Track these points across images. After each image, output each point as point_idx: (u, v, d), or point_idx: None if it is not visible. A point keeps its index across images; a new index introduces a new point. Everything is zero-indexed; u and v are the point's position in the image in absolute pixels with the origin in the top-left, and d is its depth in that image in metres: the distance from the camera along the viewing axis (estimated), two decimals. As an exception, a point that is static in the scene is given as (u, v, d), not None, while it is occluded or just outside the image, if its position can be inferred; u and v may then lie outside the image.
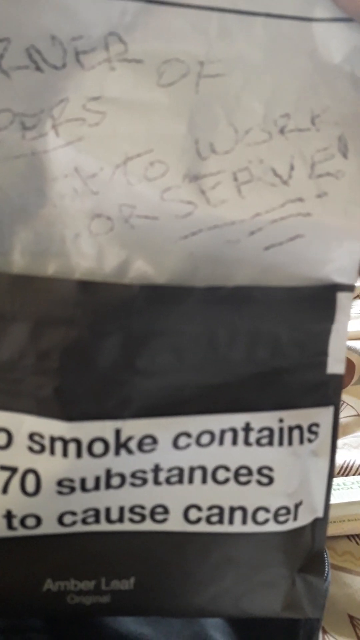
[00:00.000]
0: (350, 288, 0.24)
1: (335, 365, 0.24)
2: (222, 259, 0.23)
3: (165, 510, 0.24)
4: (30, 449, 0.23)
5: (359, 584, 0.52)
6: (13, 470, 0.23)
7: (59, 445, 0.22)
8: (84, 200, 0.22)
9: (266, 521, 0.25)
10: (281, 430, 0.24)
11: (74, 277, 0.22)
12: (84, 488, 0.23)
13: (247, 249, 0.23)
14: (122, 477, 0.23)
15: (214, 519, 0.24)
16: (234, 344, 0.23)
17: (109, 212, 0.22)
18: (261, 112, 0.22)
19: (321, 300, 0.24)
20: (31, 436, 0.22)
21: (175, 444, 0.23)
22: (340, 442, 0.72)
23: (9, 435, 0.22)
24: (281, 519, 0.25)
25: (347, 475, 0.67)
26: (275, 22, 0.21)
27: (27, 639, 0.28)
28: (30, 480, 0.23)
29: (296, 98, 0.22)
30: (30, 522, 0.23)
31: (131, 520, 0.24)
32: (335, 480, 0.63)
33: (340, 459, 0.68)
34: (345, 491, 0.62)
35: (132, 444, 0.23)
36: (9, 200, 0.22)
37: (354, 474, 0.67)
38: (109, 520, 0.24)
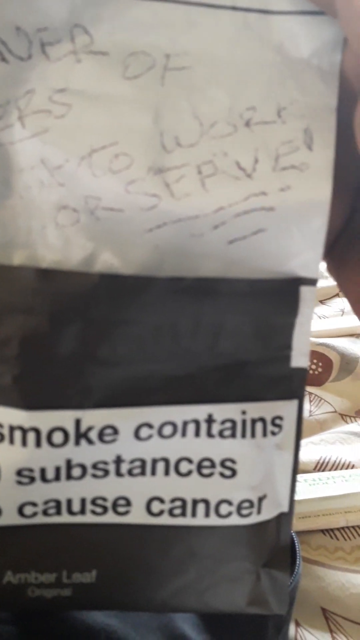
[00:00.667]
0: (313, 282, 0.24)
1: (299, 359, 0.25)
2: (187, 252, 0.23)
3: (128, 502, 0.24)
4: None
5: (332, 577, 0.52)
6: None
7: (18, 435, 0.22)
8: (50, 191, 0.22)
9: (229, 514, 0.25)
10: (244, 422, 0.24)
11: (40, 267, 0.22)
12: (44, 478, 0.23)
13: (211, 243, 0.23)
14: (83, 467, 0.23)
15: (177, 511, 0.24)
16: (196, 336, 0.23)
17: (74, 203, 0.22)
18: (227, 104, 0.22)
19: (284, 294, 0.24)
20: None
21: (136, 435, 0.24)
22: (317, 438, 0.73)
23: None
24: (244, 512, 0.25)
25: (323, 470, 0.68)
26: (241, 15, 0.21)
27: None
28: None
29: (262, 91, 0.22)
30: None
31: (93, 512, 0.24)
32: (311, 476, 0.64)
33: (316, 454, 0.69)
34: (321, 486, 0.63)
35: (93, 434, 0.23)
36: None
37: (329, 470, 0.68)
38: (70, 511, 0.24)
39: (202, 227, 0.22)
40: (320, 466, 0.68)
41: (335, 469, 0.67)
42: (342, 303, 1.01)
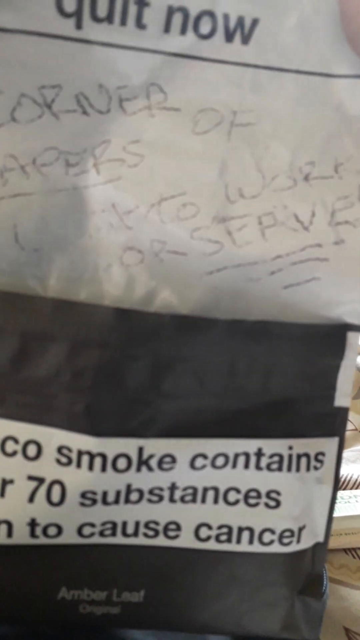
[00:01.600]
0: (359, 328, 0.25)
1: (341, 399, 0.26)
2: (243, 295, 0.24)
3: (178, 527, 0.26)
4: (58, 461, 0.24)
5: (355, 596, 0.53)
6: (40, 480, 0.24)
7: (85, 459, 0.24)
8: (118, 233, 0.24)
9: (271, 542, 0.26)
10: (290, 457, 0.26)
11: (104, 303, 0.24)
12: (105, 501, 0.25)
13: (267, 287, 0.24)
14: (141, 492, 0.25)
15: (223, 537, 0.26)
16: (251, 374, 0.25)
17: (140, 245, 0.24)
18: (288, 159, 0.23)
19: (333, 338, 0.25)
20: (60, 449, 0.24)
21: (192, 464, 0.25)
22: (340, 456, 0.73)
23: (39, 448, 0.24)
24: (285, 540, 0.26)
25: (344, 489, 0.68)
26: (304, 78, 0.23)
27: None
28: (56, 491, 0.24)
29: (321, 147, 0.23)
30: (52, 531, 0.25)
31: (145, 534, 0.26)
32: (334, 495, 0.64)
33: (339, 473, 0.70)
34: (343, 505, 0.63)
35: (153, 462, 0.25)
36: (49, 230, 0.23)
37: (351, 488, 0.68)
38: (124, 533, 0.25)
39: (259, 273, 0.24)
40: (342, 484, 0.69)
41: (357, 488, 0.68)
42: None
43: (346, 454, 0.75)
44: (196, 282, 0.24)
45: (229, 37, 0.22)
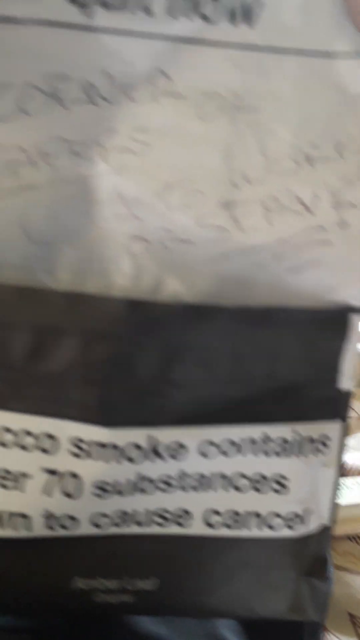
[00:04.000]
0: None
1: (345, 382, 0.26)
2: (249, 281, 0.25)
3: (188, 515, 0.26)
4: (73, 454, 0.24)
5: (359, 583, 0.54)
6: (56, 473, 0.24)
7: (98, 450, 0.24)
8: (125, 223, 0.24)
9: (279, 527, 0.27)
10: (295, 441, 0.26)
11: (112, 293, 0.24)
12: (118, 491, 0.25)
13: (271, 272, 0.24)
14: (152, 482, 0.25)
15: (232, 523, 0.26)
16: (256, 360, 0.25)
17: (148, 234, 0.24)
18: (291, 142, 0.23)
19: (336, 321, 0.25)
20: (73, 441, 0.24)
21: (201, 452, 0.25)
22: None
23: (54, 440, 0.24)
24: (292, 524, 0.27)
25: (347, 476, 0.69)
26: (307, 60, 0.23)
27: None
28: (71, 483, 0.24)
29: (323, 128, 0.23)
30: (68, 523, 0.25)
31: (157, 523, 0.26)
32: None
33: (341, 460, 0.70)
34: (346, 492, 0.63)
35: (164, 451, 0.25)
36: (58, 222, 0.23)
37: (354, 475, 0.68)
38: (137, 523, 0.26)
39: (264, 258, 0.24)
40: (345, 472, 0.69)
41: (360, 475, 0.68)
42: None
43: (349, 441, 0.75)
44: (202, 269, 0.24)
45: (233, 20, 0.22)
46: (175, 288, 0.24)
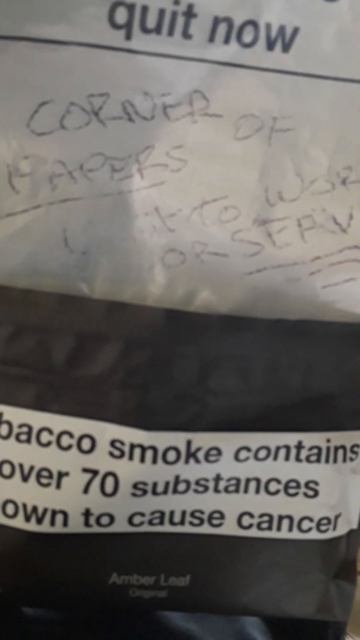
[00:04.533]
0: None
1: None
2: (282, 295, 0.25)
3: (222, 516, 0.27)
4: (111, 454, 0.25)
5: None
6: (95, 472, 0.25)
7: (137, 452, 0.25)
8: (161, 236, 0.25)
9: (309, 529, 0.27)
10: (328, 449, 0.27)
11: (146, 302, 0.25)
12: (154, 492, 0.26)
13: (306, 287, 0.25)
14: (188, 483, 0.26)
15: (264, 525, 0.27)
16: (292, 371, 0.26)
17: (182, 247, 0.25)
18: (326, 164, 0.24)
19: None
20: (113, 443, 0.25)
21: (236, 457, 0.26)
22: None
23: (93, 441, 0.25)
24: (323, 528, 0.28)
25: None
26: (342, 85, 0.24)
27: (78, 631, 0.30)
28: (110, 483, 0.25)
29: (358, 152, 0.24)
30: (105, 520, 0.26)
31: (191, 523, 0.27)
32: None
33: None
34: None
35: (200, 454, 0.26)
36: (96, 233, 0.24)
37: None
38: (172, 522, 0.26)
39: (299, 273, 0.25)
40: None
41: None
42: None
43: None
44: (236, 282, 0.25)
45: (270, 45, 0.22)
46: (207, 299, 0.25)
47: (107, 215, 0.24)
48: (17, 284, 0.24)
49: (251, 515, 0.27)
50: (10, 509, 0.26)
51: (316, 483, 0.27)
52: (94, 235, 0.24)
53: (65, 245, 0.24)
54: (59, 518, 0.25)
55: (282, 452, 0.27)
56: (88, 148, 0.23)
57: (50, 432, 0.25)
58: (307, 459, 0.27)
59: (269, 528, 0.27)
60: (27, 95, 0.23)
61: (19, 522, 0.26)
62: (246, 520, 0.27)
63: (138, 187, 0.24)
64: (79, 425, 0.25)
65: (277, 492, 0.27)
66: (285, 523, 0.27)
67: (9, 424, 0.25)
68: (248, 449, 0.26)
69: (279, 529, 0.27)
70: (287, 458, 0.27)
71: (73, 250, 0.24)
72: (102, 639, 0.31)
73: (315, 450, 0.27)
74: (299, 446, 0.27)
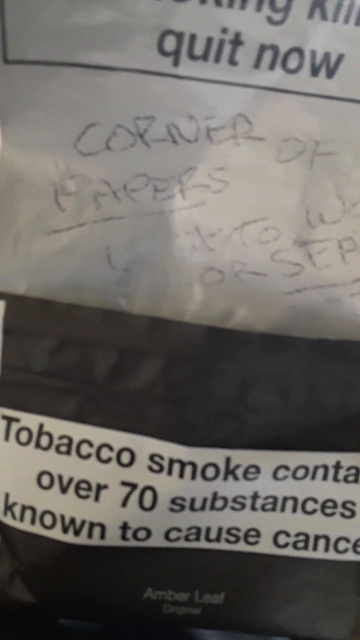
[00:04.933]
0: None
1: None
2: (321, 315, 0.26)
3: (258, 534, 0.27)
4: (150, 469, 0.26)
5: None
6: (133, 486, 0.26)
7: (176, 467, 0.25)
8: (200, 254, 0.25)
9: (346, 550, 0.27)
10: None
11: (184, 319, 0.25)
12: (192, 507, 0.26)
13: (346, 308, 0.25)
14: (225, 500, 0.26)
15: (300, 544, 0.27)
16: (331, 391, 0.26)
17: (221, 266, 0.25)
18: None
19: None
20: (152, 457, 0.25)
21: (274, 475, 0.26)
22: None
23: (132, 455, 0.25)
24: (359, 549, 0.27)
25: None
26: None
27: None
28: (148, 497, 0.26)
29: None
30: (142, 534, 0.26)
31: (227, 540, 0.27)
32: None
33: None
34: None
35: (239, 472, 0.26)
36: (138, 251, 0.25)
37: None
38: (208, 539, 0.27)
39: (339, 294, 0.25)
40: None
41: None
42: None
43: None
44: (275, 301, 0.25)
45: (315, 71, 0.23)
46: (245, 317, 0.26)
47: (149, 234, 0.25)
48: (61, 298, 0.25)
49: (287, 534, 0.27)
50: (48, 519, 0.26)
51: (353, 504, 0.27)
52: (136, 253, 0.25)
53: (108, 262, 0.25)
54: (97, 530, 0.26)
55: (320, 472, 0.27)
56: (132, 169, 0.24)
57: (90, 444, 0.25)
58: (345, 479, 0.27)
59: (305, 548, 0.27)
60: (76, 117, 0.23)
61: (56, 534, 0.26)
62: (282, 539, 0.27)
63: (179, 207, 0.25)
64: (118, 439, 0.25)
65: (314, 511, 0.27)
66: (322, 543, 0.27)
67: (50, 435, 0.26)
68: (287, 468, 0.26)
69: (315, 548, 0.27)
70: (325, 478, 0.27)
71: (115, 267, 0.25)
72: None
73: (353, 471, 0.27)
74: (337, 466, 0.27)
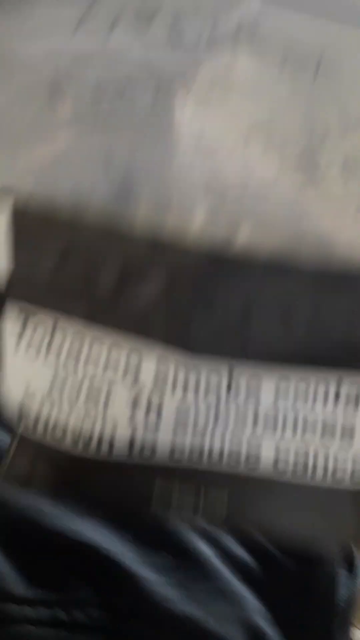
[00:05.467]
0: None
1: None
2: (328, 237, 0.25)
3: (257, 458, 0.26)
4: (155, 383, 0.24)
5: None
6: (138, 401, 0.24)
7: (180, 379, 0.24)
8: (203, 169, 0.24)
9: (342, 479, 0.27)
10: None
11: (188, 237, 0.24)
12: (195, 424, 0.25)
13: (353, 232, 0.25)
14: (227, 413, 0.25)
15: (299, 470, 0.26)
16: (335, 317, 0.25)
17: (225, 182, 0.24)
18: None
19: None
20: (157, 371, 0.24)
21: (276, 388, 0.25)
22: None
23: (137, 370, 0.24)
24: (356, 479, 0.27)
25: None
26: None
27: (85, 613, 0.28)
28: (153, 412, 0.24)
29: None
30: (147, 452, 0.25)
31: (228, 464, 0.26)
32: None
33: None
34: None
35: (242, 382, 0.25)
36: (137, 165, 0.24)
37: None
38: (210, 460, 0.25)
39: (344, 218, 0.25)
40: None
41: None
42: None
43: None
44: (279, 222, 0.25)
45: None
46: (250, 237, 0.25)
47: (149, 145, 0.24)
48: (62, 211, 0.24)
49: (286, 461, 0.26)
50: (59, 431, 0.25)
51: (353, 429, 0.27)
52: (137, 165, 0.24)
53: (107, 173, 0.24)
54: (105, 445, 0.24)
55: (321, 390, 0.26)
56: (133, 71, 0.23)
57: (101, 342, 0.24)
58: (346, 401, 0.26)
59: (304, 473, 0.26)
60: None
61: (66, 445, 0.25)
62: (281, 465, 0.26)
63: (182, 118, 0.24)
64: (128, 342, 0.24)
65: (313, 433, 0.26)
66: (320, 469, 0.26)
67: (64, 331, 0.24)
68: (288, 379, 0.26)
69: (313, 474, 0.26)
70: (325, 398, 0.26)
71: (115, 179, 0.24)
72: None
73: (354, 392, 0.26)
74: (339, 383, 0.26)
